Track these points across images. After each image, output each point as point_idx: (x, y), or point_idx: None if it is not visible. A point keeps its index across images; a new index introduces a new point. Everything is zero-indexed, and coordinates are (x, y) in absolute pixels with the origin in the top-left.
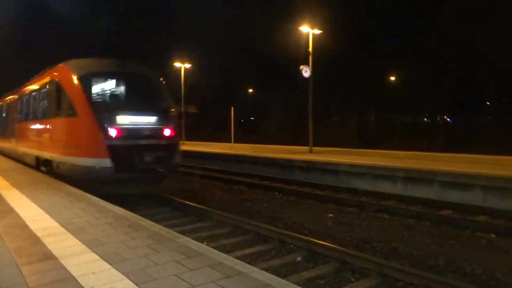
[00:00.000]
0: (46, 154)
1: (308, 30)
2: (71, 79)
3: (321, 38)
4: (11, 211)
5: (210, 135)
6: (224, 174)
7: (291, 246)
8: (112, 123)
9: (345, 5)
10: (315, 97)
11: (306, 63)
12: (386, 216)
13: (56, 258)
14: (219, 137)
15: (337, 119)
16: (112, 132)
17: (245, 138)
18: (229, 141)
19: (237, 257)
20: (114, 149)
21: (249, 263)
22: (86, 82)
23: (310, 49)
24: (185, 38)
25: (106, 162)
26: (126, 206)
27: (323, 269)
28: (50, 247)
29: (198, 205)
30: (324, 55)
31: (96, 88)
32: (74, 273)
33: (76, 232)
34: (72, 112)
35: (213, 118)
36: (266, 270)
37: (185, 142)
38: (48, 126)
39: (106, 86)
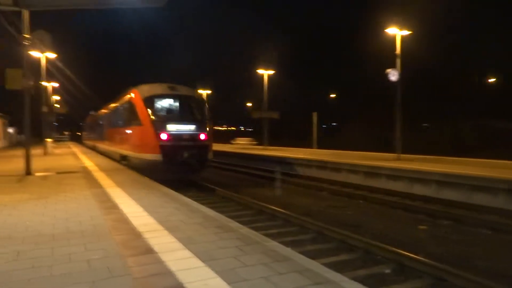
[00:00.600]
0: (124, 152)
1: (396, 32)
2: (139, 100)
3: (410, 40)
4: (116, 207)
5: (292, 141)
6: (306, 180)
7: (378, 257)
8: (164, 130)
9: (436, 5)
10: (403, 101)
11: (393, 66)
12: (490, 232)
13: (156, 253)
14: (301, 143)
15: (428, 125)
16: (163, 136)
17: (327, 143)
18: (311, 147)
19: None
20: (164, 148)
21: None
22: (148, 101)
23: (398, 51)
24: (268, 44)
25: (158, 157)
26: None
27: (415, 284)
28: (150, 242)
29: (283, 210)
30: (413, 57)
31: (155, 106)
32: (172, 267)
33: (172, 229)
34: (138, 123)
35: (295, 124)
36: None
37: (267, 147)
38: (126, 132)
39: (161, 104)
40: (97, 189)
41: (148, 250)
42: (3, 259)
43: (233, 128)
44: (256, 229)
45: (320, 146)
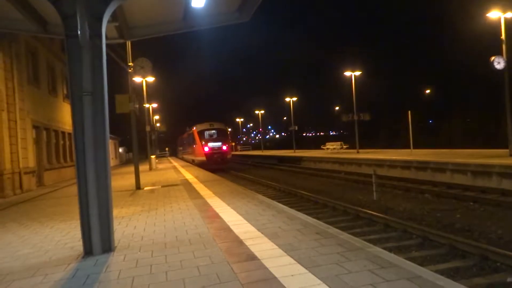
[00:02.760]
0: (191, 157)
1: (499, 15)
2: (196, 132)
3: None
4: (217, 216)
5: (385, 143)
6: (405, 182)
7: (498, 264)
8: (207, 146)
9: None
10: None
11: (498, 53)
12: None
13: (259, 259)
14: (395, 144)
15: None
16: (206, 149)
17: (424, 143)
18: (407, 148)
19: None
20: (207, 154)
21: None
22: (200, 133)
23: (503, 36)
24: (355, 45)
25: (204, 158)
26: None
27: None
28: (252, 249)
29: (382, 215)
30: None
31: (202, 134)
32: (276, 274)
33: (271, 236)
34: (195, 142)
35: (387, 124)
36: None
37: (359, 150)
38: (193, 147)
39: (206, 134)
40: (199, 199)
41: (251, 257)
42: (125, 266)
43: (321, 133)
44: (355, 235)
45: (416, 146)
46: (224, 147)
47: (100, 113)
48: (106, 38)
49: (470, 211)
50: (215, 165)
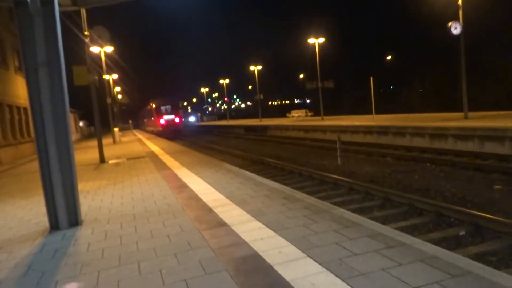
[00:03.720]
0: (150, 129)
1: None
2: (153, 106)
3: None
4: (185, 186)
5: (349, 110)
6: (367, 146)
7: (451, 219)
8: (163, 118)
9: None
10: (467, 55)
11: (455, 19)
12: None
13: (228, 225)
14: (359, 110)
15: (495, 78)
16: (162, 121)
17: (386, 109)
18: (369, 114)
19: None
20: (163, 125)
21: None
22: (157, 107)
23: (460, 1)
24: (318, 12)
25: (161, 129)
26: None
27: (493, 245)
28: (221, 216)
29: (346, 179)
30: (477, 8)
31: (159, 109)
32: (246, 238)
33: (240, 203)
34: (153, 116)
35: (351, 92)
36: None
37: (324, 117)
38: (149, 119)
39: (162, 108)
40: (166, 171)
41: (221, 223)
42: (94, 238)
43: (287, 101)
44: (321, 198)
45: (378, 112)
46: (177, 119)
47: (57, 86)
48: (59, 5)
49: (427, 171)
50: (171, 134)
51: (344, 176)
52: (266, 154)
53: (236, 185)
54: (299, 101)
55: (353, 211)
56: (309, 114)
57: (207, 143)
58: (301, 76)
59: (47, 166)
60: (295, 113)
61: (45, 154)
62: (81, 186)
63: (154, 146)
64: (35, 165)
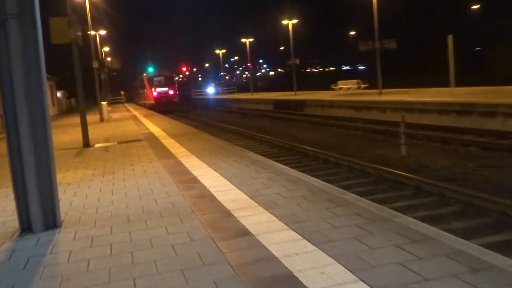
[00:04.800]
0: (143, 102)
1: None
2: (145, 78)
3: None
4: (196, 180)
5: (416, 80)
6: (443, 131)
7: None
8: (155, 91)
9: None
10: None
11: None
12: None
13: (252, 235)
14: (430, 81)
15: None
16: (155, 94)
17: (470, 79)
18: (445, 85)
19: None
20: (156, 98)
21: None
22: (149, 79)
23: None
24: None
25: (153, 102)
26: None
27: None
28: (243, 221)
29: (413, 175)
30: None
31: (152, 81)
32: (276, 252)
33: (268, 205)
34: (145, 87)
35: (419, 55)
36: None
37: (382, 90)
38: (142, 91)
39: (155, 80)
40: (169, 159)
41: (243, 232)
42: (77, 245)
43: (331, 68)
44: (378, 201)
45: (459, 83)
46: (171, 92)
47: (31, 43)
48: None
49: None
50: (163, 108)
51: (409, 171)
52: (303, 140)
53: (262, 180)
54: (348, 68)
55: (423, 220)
56: (362, 85)
57: (223, 123)
58: (351, 33)
59: (17, 149)
60: (343, 85)
61: (14, 133)
62: (59, 177)
63: (154, 126)
64: (1, 146)
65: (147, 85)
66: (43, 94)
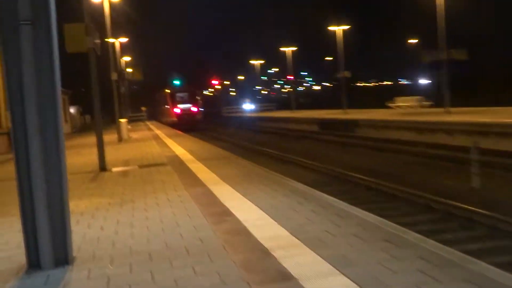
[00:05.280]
0: (164, 119)
1: None
2: (168, 94)
3: None
4: (228, 213)
5: (494, 97)
6: None
7: None
8: (178, 107)
9: None
10: None
11: None
12: None
13: (295, 279)
14: (509, 98)
15: None
16: (177, 110)
17: None
18: None
19: None
20: (178, 115)
21: None
22: (172, 94)
23: None
24: None
25: (175, 119)
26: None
27: None
28: (283, 263)
29: (488, 212)
30: None
31: (174, 97)
32: None
33: (314, 244)
34: (167, 104)
35: (496, 69)
36: None
37: (450, 109)
38: (164, 108)
39: (177, 95)
40: (197, 187)
41: (284, 275)
42: (90, 286)
43: (386, 82)
44: (445, 243)
45: None
46: (194, 108)
47: (46, 52)
48: None
49: None
50: (186, 125)
51: (483, 207)
52: (354, 167)
53: (306, 214)
54: (407, 82)
55: (501, 266)
56: (426, 103)
57: (259, 145)
58: (412, 41)
59: (26, 173)
60: (402, 102)
61: (24, 155)
62: (72, 205)
63: (179, 147)
64: (9, 169)
65: (169, 101)
66: (57, 110)
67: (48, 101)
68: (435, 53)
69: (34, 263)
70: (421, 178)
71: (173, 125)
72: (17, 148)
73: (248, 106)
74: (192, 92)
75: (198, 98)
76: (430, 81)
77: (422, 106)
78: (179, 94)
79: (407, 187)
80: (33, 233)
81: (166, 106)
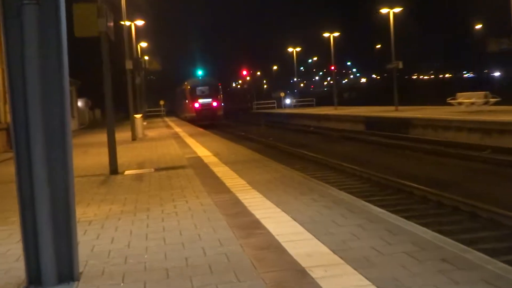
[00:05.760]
0: (183, 115)
1: None
2: (187, 87)
3: None
4: (258, 225)
5: None
6: None
7: None
8: (197, 102)
9: None
10: None
11: None
12: None
13: None
14: None
15: None
16: (197, 105)
17: None
18: None
19: None
20: (197, 110)
21: None
22: (191, 88)
23: None
24: None
25: (194, 114)
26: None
27: None
28: (323, 284)
29: None
30: None
31: (193, 90)
32: None
33: (359, 264)
34: (186, 98)
35: None
36: None
37: None
38: (183, 102)
39: (197, 89)
40: (223, 194)
41: None
42: None
43: (448, 75)
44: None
45: None
46: (215, 103)
47: (53, 35)
48: None
49: None
50: (206, 121)
51: None
52: (407, 174)
53: (351, 229)
54: (471, 75)
55: None
56: (492, 100)
57: (296, 147)
58: (477, 27)
59: (27, 174)
60: (465, 98)
61: (25, 154)
62: (79, 213)
63: (202, 148)
64: (9, 170)
65: (188, 95)
66: (64, 103)
67: (54, 93)
68: (504, 41)
69: (34, 279)
70: (487, 189)
71: (194, 122)
72: (17, 146)
73: (286, 101)
74: (213, 86)
75: (219, 92)
76: (498, 74)
77: (488, 103)
78: (199, 88)
79: (470, 199)
80: (34, 244)
81: (185, 101)
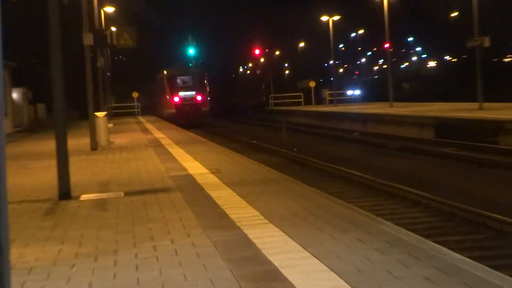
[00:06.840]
0: (159, 111)
1: None
2: (165, 76)
3: None
4: (276, 276)
5: None
6: None
7: None
8: (177, 95)
9: None
10: None
11: None
12: None
13: None
14: None
15: None
16: (176, 99)
17: None
18: None
19: None
20: (176, 106)
21: None
22: (170, 78)
23: None
24: None
25: (174, 111)
26: None
27: None
28: None
29: None
30: None
31: (173, 80)
32: None
33: None
34: (164, 90)
35: None
36: None
37: None
38: (160, 96)
39: (177, 79)
40: (225, 231)
41: None
42: None
43: None
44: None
45: None
46: (199, 97)
47: None
48: None
49: None
50: (186, 119)
51: None
52: (495, 203)
53: (413, 282)
54: None
55: None
56: None
57: (328, 161)
58: None
59: None
60: None
61: None
62: (14, 256)
63: (195, 162)
64: None
65: (166, 87)
66: None
67: None
68: None
69: None
70: None
71: (168, 119)
72: None
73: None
74: (197, 75)
75: (205, 83)
76: None
77: None
78: (180, 78)
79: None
80: None
81: (162, 94)
